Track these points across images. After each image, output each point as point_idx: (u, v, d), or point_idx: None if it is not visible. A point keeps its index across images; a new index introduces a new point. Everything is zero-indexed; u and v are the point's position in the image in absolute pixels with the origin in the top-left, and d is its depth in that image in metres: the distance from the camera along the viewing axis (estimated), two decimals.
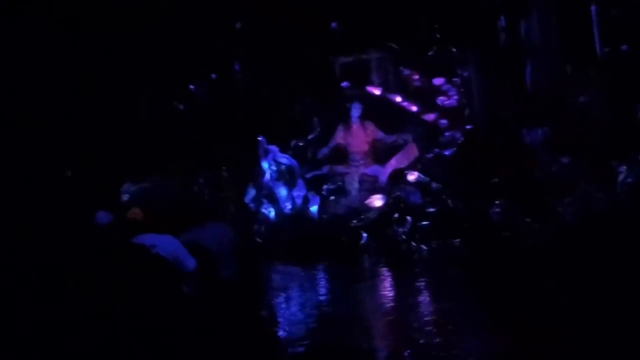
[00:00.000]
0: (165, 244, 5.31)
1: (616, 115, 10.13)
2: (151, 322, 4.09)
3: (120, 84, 12.71)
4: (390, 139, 12.14)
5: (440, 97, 11.77)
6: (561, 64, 10.79)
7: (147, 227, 5.43)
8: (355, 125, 12.47)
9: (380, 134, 12.28)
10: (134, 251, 4.59)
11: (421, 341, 5.95)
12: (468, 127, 11.71)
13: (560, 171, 10.36)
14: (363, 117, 12.43)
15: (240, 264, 6.46)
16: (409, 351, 5.78)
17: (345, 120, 12.42)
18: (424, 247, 9.65)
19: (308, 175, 11.87)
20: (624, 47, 10.30)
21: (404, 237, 9.94)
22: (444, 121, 11.66)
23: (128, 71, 12.73)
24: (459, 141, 11.60)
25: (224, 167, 12.92)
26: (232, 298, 5.87)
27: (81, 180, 12.11)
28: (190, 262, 5.43)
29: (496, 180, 11.06)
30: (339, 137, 12.45)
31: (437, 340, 5.99)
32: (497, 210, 10.29)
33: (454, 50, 11.41)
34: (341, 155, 12.33)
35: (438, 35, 11.45)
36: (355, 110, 12.45)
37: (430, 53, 11.54)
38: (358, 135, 12.52)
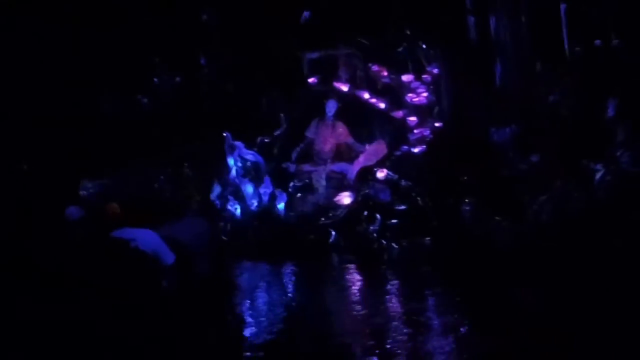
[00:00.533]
0: (145, 238, 5.22)
1: (586, 113, 10.15)
2: (129, 315, 3.91)
3: (82, 77, 12.34)
4: (360, 147, 11.96)
5: (409, 95, 11.65)
6: (530, 62, 10.80)
7: (117, 222, 5.22)
8: (328, 123, 12.26)
9: (350, 139, 12.09)
10: (113, 245, 4.40)
11: (387, 341, 5.80)
12: (437, 124, 11.63)
13: (530, 169, 10.36)
14: (337, 117, 12.22)
15: (213, 260, 6.28)
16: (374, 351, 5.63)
17: (319, 116, 12.22)
18: (394, 245, 9.52)
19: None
20: (595, 43, 10.34)
21: (374, 235, 9.80)
22: (412, 119, 11.53)
23: (91, 64, 12.37)
24: (428, 139, 11.51)
25: (185, 164, 12.63)
26: (206, 294, 5.69)
27: (39, 175, 11.72)
28: (170, 257, 5.33)
29: (465, 178, 11.03)
30: (311, 132, 12.22)
31: (403, 340, 5.83)
32: (467, 208, 10.23)
33: (423, 47, 11.31)
34: (309, 151, 12.14)
35: (407, 32, 11.34)
36: (331, 108, 12.22)
37: (399, 49, 11.42)
38: (327, 134, 12.32)
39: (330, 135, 12.31)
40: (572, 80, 10.37)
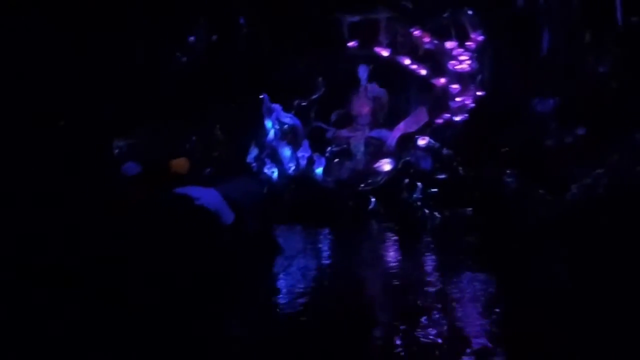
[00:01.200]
0: (209, 196, 5.18)
1: (637, 86, 9.89)
2: (193, 272, 3.85)
3: (118, 32, 12.16)
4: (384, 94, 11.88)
5: (452, 62, 11.42)
6: (579, 31, 10.51)
7: (180, 179, 5.14)
8: (362, 87, 12.17)
9: (384, 99, 11.99)
10: (177, 201, 4.32)
11: (420, 313, 5.67)
12: (479, 93, 11.41)
13: (576, 142, 10.15)
14: (371, 80, 12.12)
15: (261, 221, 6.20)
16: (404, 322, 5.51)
17: (354, 82, 12.09)
18: (435, 214, 9.39)
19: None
20: None
21: (414, 203, 9.68)
22: (455, 86, 11.33)
23: (126, 19, 12.17)
24: (470, 107, 11.32)
25: (217, 125, 12.51)
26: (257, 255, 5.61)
27: (74, 131, 11.64)
28: (229, 216, 5.29)
29: (506, 149, 10.84)
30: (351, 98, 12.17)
31: (437, 313, 5.71)
32: (510, 179, 10.08)
33: (468, 12, 11.04)
34: (348, 117, 12.03)
35: None
36: (362, 73, 12.14)
37: (444, 15, 11.17)
38: (363, 97, 12.20)
39: (366, 98, 12.19)
40: (623, 51, 10.09)
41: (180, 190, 4.88)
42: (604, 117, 10.01)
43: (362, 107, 12.12)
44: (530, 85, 11.15)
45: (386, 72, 11.87)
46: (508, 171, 10.13)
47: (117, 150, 12.32)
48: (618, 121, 9.48)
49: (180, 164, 5.47)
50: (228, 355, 4.07)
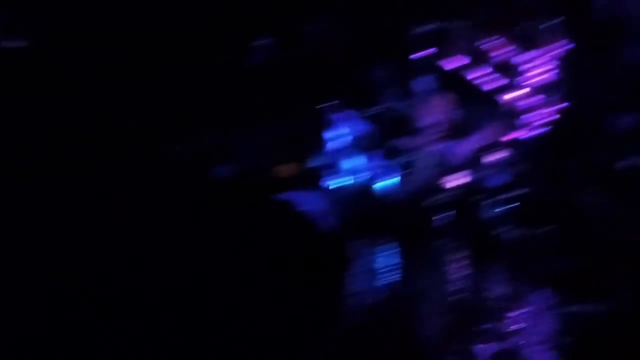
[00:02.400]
0: (314, 201, 5.10)
1: None
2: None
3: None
4: (460, 114, 11.43)
5: (529, 73, 10.96)
6: None
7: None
8: (431, 97, 11.83)
9: (455, 112, 11.58)
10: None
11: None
12: (556, 107, 10.92)
13: None
14: (440, 90, 11.77)
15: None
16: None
17: (423, 91, 11.75)
18: (509, 234, 8.96)
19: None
20: None
21: (490, 222, 9.29)
22: (531, 99, 10.86)
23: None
24: (546, 122, 10.83)
25: (287, 130, 12.33)
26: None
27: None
28: (334, 222, 5.27)
29: (587, 166, 10.36)
30: (410, 107, 11.82)
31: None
32: (591, 199, 9.61)
33: (551, 21, 10.57)
34: (417, 127, 11.68)
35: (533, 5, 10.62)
36: (430, 82, 11.79)
37: (523, 23, 10.71)
38: (431, 107, 11.86)
39: (435, 108, 11.83)
40: None
41: (289, 195, 4.82)
42: None
43: (433, 118, 11.78)
44: (613, 100, 10.64)
45: (460, 82, 11.49)
46: (589, 191, 9.68)
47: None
48: None
49: (290, 168, 5.32)
50: None
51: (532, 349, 4.91)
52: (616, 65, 10.85)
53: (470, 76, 11.84)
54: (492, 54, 11.69)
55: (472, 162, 10.61)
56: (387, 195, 10.47)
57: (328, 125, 11.53)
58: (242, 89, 12.31)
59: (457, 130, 11.81)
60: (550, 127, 10.50)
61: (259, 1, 11.61)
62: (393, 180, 10.60)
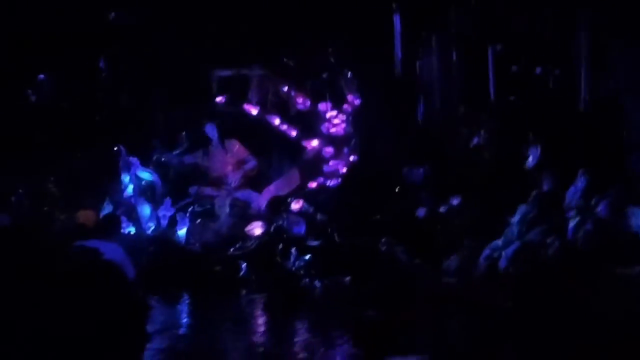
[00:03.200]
0: (113, 250, 4.73)
1: (505, 158, 10.03)
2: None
3: None
4: (252, 162, 11.21)
5: (326, 124, 11.07)
6: (455, 104, 10.59)
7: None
8: (216, 146, 11.38)
9: (248, 157, 11.32)
10: (84, 256, 3.52)
11: None
12: (352, 158, 11.11)
13: (450, 212, 10.05)
14: (224, 137, 11.36)
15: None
16: None
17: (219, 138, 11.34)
18: (317, 283, 8.74)
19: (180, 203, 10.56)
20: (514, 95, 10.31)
21: (293, 271, 8.98)
22: (329, 149, 10.95)
23: None
24: (342, 172, 10.97)
25: (51, 177, 11.25)
26: None
27: None
28: (132, 272, 4.90)
29: (378, 217, 10.55)
30: (198, 156, 11.37)
31: None
32: (384, 248, 9.72)
33: (347, 75, 10.80)
34: (201, 175, 11.20)
35: (332, 59, 10.80)
36: (211, 132, 11.34)
37: (322, 76, 10.84)
38: (222, 156, 11.45)
39: (227, 156, 11.44)
40: (495, 124, 10.25)
41: (82, 244, 4.15)
42: (478, 188, 10.06)
43: (225, 166, 11.37)
44: (404, 153, 11.04)
45: (256, 131, 11.27)
46: (383, 239, 9.81)
47: None
48: (491, 192, 9.54)
49: (88, 215, 4.70)
50: None
51: None
52: (411, 123, 11.29)
53: (269, 124, 11.65)
54: (290, 103, 11.62)
55: (271, 211, 10.33)
56: (184, 244, 9.82)
57: (118, 170, 10.66)
58: (22, 127, 11.00)
59: (256, 179, 11.45)
60: (346, 177, 10.60)
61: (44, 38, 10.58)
62: (184, 230, 9.98)
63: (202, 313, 8.44)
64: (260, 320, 8.02)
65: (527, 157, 9.89)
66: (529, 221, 8.03)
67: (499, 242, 8.20)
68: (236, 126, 11.42)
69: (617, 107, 9.89)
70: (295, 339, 7.08)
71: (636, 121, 9.87)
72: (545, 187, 9.23)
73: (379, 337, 6.64)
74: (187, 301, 8.93)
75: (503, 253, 7.80)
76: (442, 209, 10.09)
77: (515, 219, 8.95)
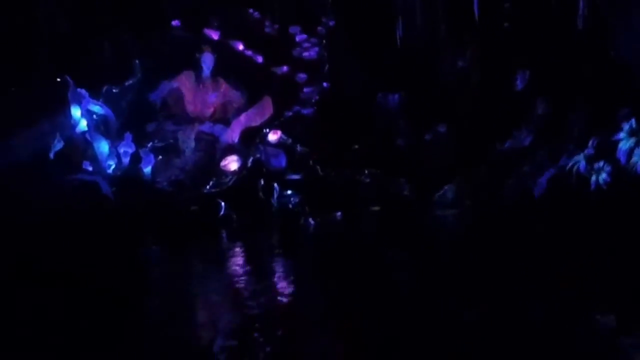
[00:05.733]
0: None
1: (491, 82, 9.39)
2: None
3: None
4: (240, 97, 10.10)
5: (298, 48, 10.12)
6: (437, 23, 9.82)
7: None
8: (207, 81, 10.18)
9: (236, 97, 10.17)
10: None
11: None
12: (325, 84, 10.24)
13: (438, 140, 9.41)
14: (215, 72, 10.16)
15: None
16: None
17: (191, 69, 10.13)
18: (311, 221, 7.94)
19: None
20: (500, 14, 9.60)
21: (271, 207, 8.14)
22: (302, 75, 10.02)
23: None
24: (315, 100, 10.11)
25: None
26: None
27: None
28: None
29: (357, 147, 9.82)
30: (181, 81, 10.10)
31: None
32: (367, 180, 9.02)
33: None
34: (175, 105, 10.05)
35: None
36: (208, 63, 10.10)
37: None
38: (207, 94, 10.24)
39: (213, 96, 10.24)
40: (479, 47, 9.58)
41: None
42: (465, 115, 9.44)
43: (206, 105, 10.19)
44: (381, 80, 10.26)
45: (221, 58, 10.17)
46: (365, 171, 9.12)
47: None
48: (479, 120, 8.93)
49: None
50: None
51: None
52: (389, 46, 10.46)
53: (229, 51, 10.59)
54: (253, 27, 10.57)
55: (246, 144, 9.42)
56: (147, 184, 8.80)
57: (67, 103, 9.46)
58: None
59: (228, 111, 10.36)
60: (320, 105, 9.77)
61: None
62: (150, 168, 8.95)
63: (184, 255, 7.44)
64: (243, 259, 7.06)
65: (515, 80, 9.31)
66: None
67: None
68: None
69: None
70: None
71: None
72: (539, 112, 8.69)
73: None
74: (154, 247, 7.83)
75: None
76: (427, 137, 9.46)
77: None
